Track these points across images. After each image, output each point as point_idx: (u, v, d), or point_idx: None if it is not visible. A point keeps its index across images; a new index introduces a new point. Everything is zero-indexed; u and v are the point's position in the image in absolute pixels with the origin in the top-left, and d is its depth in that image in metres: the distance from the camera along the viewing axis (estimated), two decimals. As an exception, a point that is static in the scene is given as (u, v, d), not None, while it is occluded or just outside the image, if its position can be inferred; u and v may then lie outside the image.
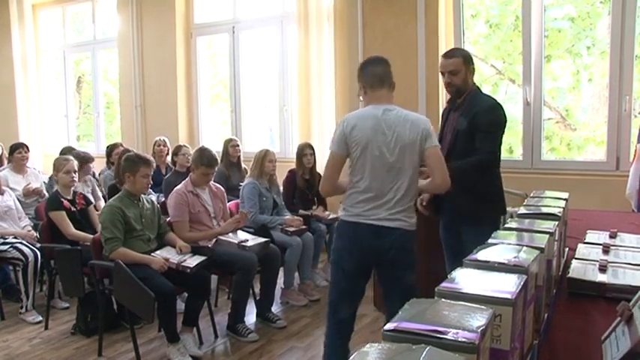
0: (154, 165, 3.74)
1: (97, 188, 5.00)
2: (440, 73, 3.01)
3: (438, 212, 3.06)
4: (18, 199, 4.51)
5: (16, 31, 7.59)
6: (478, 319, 0.73)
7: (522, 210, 1.65)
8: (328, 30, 5.48)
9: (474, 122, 2.82)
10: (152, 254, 3.36)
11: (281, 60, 6.09)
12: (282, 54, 6.08)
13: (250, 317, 3.88)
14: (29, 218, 4.49)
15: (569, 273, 1.61)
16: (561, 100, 5.22)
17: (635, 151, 3.89)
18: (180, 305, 3.63)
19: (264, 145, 5.22)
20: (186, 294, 3.62)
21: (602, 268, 1.62)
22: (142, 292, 3.03)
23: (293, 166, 4.79)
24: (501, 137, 2.92)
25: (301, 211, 4.59)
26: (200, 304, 3.50)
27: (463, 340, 0.68)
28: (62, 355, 3.44)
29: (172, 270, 3.28)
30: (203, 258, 3.39)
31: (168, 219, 3.74)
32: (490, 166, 2.89)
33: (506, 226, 1.42)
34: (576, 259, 1.74)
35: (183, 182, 3.84)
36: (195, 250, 3.51)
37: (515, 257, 1.03)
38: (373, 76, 2.58)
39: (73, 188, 4.16)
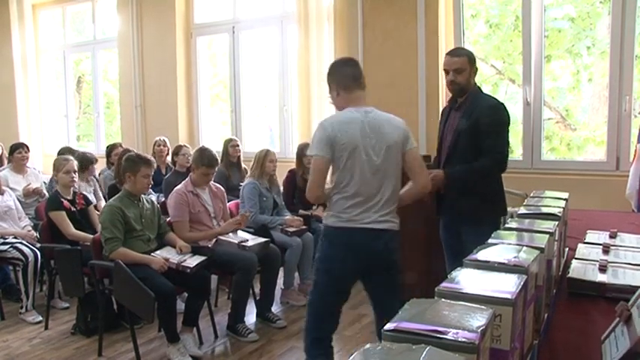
0: (155, 165, 3.74)
1: (98, 189, 5.00)
2: (444, 71, 2.99)
3: (439, 212, 3.06)
4: (18, 199, 4.52)
5: (16, 31, 7.58)
6: (478, 319, 0.73)
7: (522, 210, 1.65)
8: (328, 30, 5.47)
9: (477, 123, 2.82)
10: (152, 254, 3.36)
11: (281, 60, 6.09)
12: (282, 54, 6.07)
13: (250, 317, 3.88)
14: (29, 218, 4.50)
15: (569, 273, 1.61)
16: (561, 100, 5.22)
17: (635, 151, 3.89)
18: (180, 305, 3.63)
19: (264, 145, 5.21)
20: (186, 294, 3.62)
21: (602, 268, 1.62)
22: (142, 292, 3.03)
23: (293, 166, 4.79)
24: (508, 137, 2.90)
25: (301, 211, 4.60)
26: (200, 304, 3.50)
27: (463, 340, 0.68)
28: (62, 355, 3.44)
29: (172, 270, 3.28)
30: (203, 258, 3.40)
31: (168, 219, 3.74)
32: (503, 167, 2.87)
33: (506, 226, 1.43)
34: (576, 259, 1.74)
35: (183, 182, 3.84)
36: (195, 250, 3.51)
37: (515, 257, 1.03)
38: (347, 77, 2.53)
39: (73, 188, 4.17)
